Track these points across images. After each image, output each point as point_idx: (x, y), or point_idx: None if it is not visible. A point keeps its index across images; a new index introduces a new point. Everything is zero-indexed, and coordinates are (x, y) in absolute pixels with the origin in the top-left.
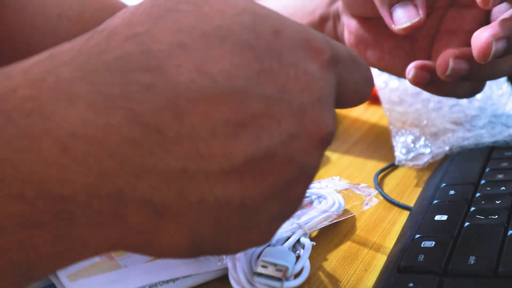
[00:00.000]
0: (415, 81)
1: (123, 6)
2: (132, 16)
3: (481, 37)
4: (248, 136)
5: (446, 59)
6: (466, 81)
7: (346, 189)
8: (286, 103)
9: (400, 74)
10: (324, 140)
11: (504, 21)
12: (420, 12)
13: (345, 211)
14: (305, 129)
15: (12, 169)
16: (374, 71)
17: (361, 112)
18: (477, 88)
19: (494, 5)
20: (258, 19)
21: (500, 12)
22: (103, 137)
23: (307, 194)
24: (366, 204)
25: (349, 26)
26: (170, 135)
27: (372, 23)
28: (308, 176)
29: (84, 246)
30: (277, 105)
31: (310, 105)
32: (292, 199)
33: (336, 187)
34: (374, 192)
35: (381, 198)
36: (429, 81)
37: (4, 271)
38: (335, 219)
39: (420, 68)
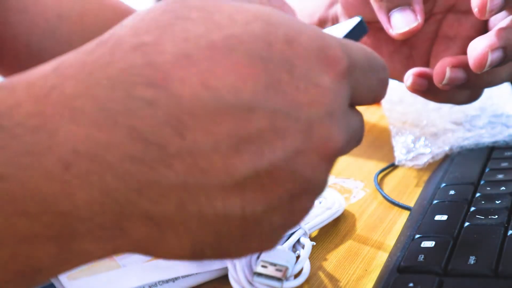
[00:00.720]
0: (413, 89)
1: (124, 6)
2: (140, 23)
3: (477, 47)
4: (250, 151)
5: (443, 68)
6: (463, 89)
7: (334, 183)
8: (293, 117)
9: (399, 78)
10: (332, 155)
11: (500, 30)
12: (418, 17)
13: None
14: (311, 145)
15: (16, 185)
16: None
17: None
18: (475, 94)
19: (491, 15)
20: (270, 28)
21: (498, 20)
22: (105, 154)
23: None
24: (354, 197)
25: None
26: (171, 150)
27: (371, 27)
28: (313, 190)
29: (86, 256)
30: (283, 120)
31: (318, 120)
32: (296, 212)
33: None
34: (360, 185)
35: (381, 198)
36: (426, 88)
37: (7, 280)
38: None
39: (418, 76)
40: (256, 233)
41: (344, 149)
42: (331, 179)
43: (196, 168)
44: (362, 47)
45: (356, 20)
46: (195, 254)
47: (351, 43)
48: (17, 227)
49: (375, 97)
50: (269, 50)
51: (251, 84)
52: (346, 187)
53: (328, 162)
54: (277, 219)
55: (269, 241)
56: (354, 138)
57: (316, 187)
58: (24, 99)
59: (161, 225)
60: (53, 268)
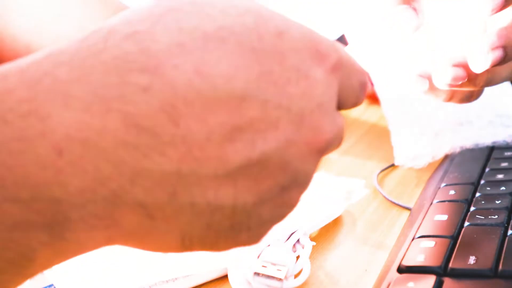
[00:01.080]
0: (414, 87)
1: (126, 7)
2: (133, 14)
3: (477, 46)
4: (243, 140)
5: (444, 67)
6: (464, 88)
7: (334, 183)
8: (285, 108)
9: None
10: (322, 147)
11: (501, 30)
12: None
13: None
14: (302, 136)
15: (7, 171)
16: (374, 72)
17: (361, 112)
18: (476, 94)
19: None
20: (261, 20)
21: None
22: (99, 140)
23: (306, 195)
24: (354, 197)
25: None
26: (165, 138)
27: None
28: (302, 183)
29: (78, 246)
30: (275, 110)
31: (309, 111)
32: (285, 205)
33: (321, 181)
34: (361, 184)
35: (381, 198)
36: (427, 87)
37: (0, 269)
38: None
39: (418, 75)
40: (245, 225)
41: (331, 144)
42: (332, 178)
43: (189, 157)
44: (347, 50)
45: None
46: (184, 245)
47: (338, 43)
48: (8, 213)
49: (356, 100)
50: (261, 42)
51: (243, 73)
52: (347, 186)
53: (317, 154)
54: (266, 212)
55: (256, 235)
56: (337, 138)
57: (304, 180)
58: (15, 85)
59: (153, 214)
60: (45, 258)
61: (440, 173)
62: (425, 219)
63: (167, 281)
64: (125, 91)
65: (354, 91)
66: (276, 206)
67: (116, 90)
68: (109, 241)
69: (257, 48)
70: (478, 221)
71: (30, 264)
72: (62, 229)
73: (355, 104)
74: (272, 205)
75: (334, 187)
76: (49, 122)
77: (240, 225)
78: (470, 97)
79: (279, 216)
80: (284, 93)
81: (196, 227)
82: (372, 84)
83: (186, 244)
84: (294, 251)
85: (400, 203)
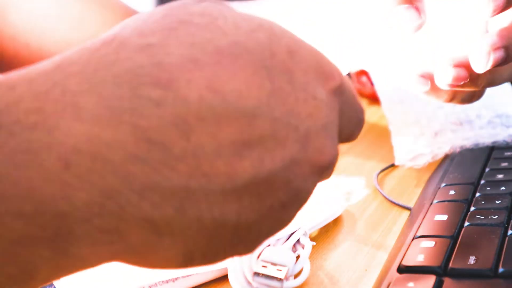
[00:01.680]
0: (415, 88)
1: (125, 7)
2: (144, 24)
3: (479, 46)
4: (252, 158)
5: (445, 67)
6: (465, 88)
7: (334, 182)
8: (293, 127)
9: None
10: (324, 168)
11: (502, 30)
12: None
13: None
14: (307, 156)
15: (11, 184)
16: (374, 72)
17: None
18: (477, 94)
19: (495, 15)
20: (274, 38)
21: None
22: (108, 153)
23: None
24: (355, 196)
25: None
26: (176, 152)
27: None
28: (301, 201)
29: (81, 262)
30: (283, 128)
31: (315, 131)
32: (283, 221)
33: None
34: (362, 184)
35: (381, 198)
36: (429, 88)
37: (1, 284)
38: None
39: (420, 75)
40: (244, 240)
41: (331, 166)
42: (332, 178)
43: (199, 172)
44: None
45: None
46: (185, 261)
47: (341, 69)
48: (10, 228)
49: (351, 134)
50: (273, 60)
51: (255, 91)
52: (347, 186)
53: (318, 174)
54: (265, 227)
55: (252, 246)
56: (335, 162)
57: (303, 199)
58: (23, 96)
59: (159, 229)
60: (47, 274)
61: (440, 173)
62: (425, 219)
63: (167, 281)
64: (137, 104)
65: (351, 122)
66: (274, 222)
67: (128, 103)
68: (112, 257)
69: (269, 66)
70: (478, 221)
71: (31, 280)
72: (65, 244)
73: (348, 138)
74: (271, 221)
75: (334, 187)
76: (57, 134)
77: (240, 240)
78: (471, 98)
79: (276, 230)
80: (292, 112)
81: (199, 242)
82: (372, 84)
83: (187, 260)
84: (294, 251)
85: (400, 203)
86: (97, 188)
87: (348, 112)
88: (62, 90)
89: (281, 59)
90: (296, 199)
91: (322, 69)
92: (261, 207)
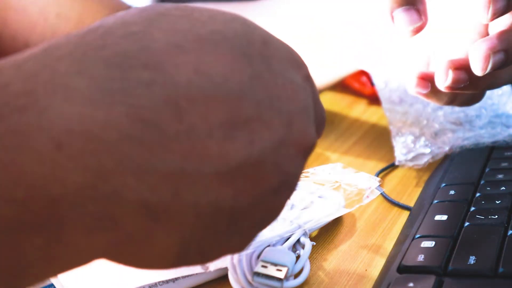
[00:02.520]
0: (416, 91)
1: (125, 6)
2: (126, 16)
3: (479, 49)
4: (242, 139)
5: (445, 70)
6: (465, 91)
7: (347, 183)
8: (276, 109)
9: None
10: (308, 149)
11: (502, 33)
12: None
13: (347, 205)
14: (292, 137)
15: (1, 169)
16: (374, 72)
17: (361, 112)
18: (477, 97)
19: (494, 19)
20: (249, 28)
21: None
22: (102, 133)
23: (307, 195)
24: (367, 197)
25: None
26: (170, 132)
27: None
28: (290, 186)
29: (75, 252)
30: (267, 110)
31: (297, 114)
32: (275, 208)
33: (337, 176)
34: (375, 183)
35: (381, 198)
36: (429, 90)
37: None
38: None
39: (420, 78)
40: (238, 229)
41: (313, 148)
42: (345, 172)
43: (193, 153)
44: None
45: None
46: (179, 256)
47: None
48: (1, 214)
49: (318, 127)
50: (250, 48)
51: (238, 75)
52: (360, 187)
53: (303, 156)
54: (258, 215)
55: (246, 240)
56: (314, 145)
57: (292, 182)
58: (11, 79)
59: (156, 215)
60: (40, 267)
61: (440, 173)
62: (425, 219)
63: (167, 281)
64: (128, 84)
65: (317, 117)
66: (266, 209)
67: (119, 83)
68: (106, 249)
69: (247, 52)
70: (478, 221)
71: (24, 273)
72: (58, 231)
73: (317, 131)
74: (264, 208)
75: (348, 182)
76: (48, 115)
77: (234, 229)
78: (471, 100)
79: (268, 220)
80: (273, 96)
81: (195, 230)
82: (372, 84)
83: (182, 253)
84: (294, 251)
85: (400, 203)
86: (91, 169)
87: (315, 104)
88: (51, 72)
89: (258, 48)
90: (284, 184)
91: (294, 57)
92: (254, 193)
